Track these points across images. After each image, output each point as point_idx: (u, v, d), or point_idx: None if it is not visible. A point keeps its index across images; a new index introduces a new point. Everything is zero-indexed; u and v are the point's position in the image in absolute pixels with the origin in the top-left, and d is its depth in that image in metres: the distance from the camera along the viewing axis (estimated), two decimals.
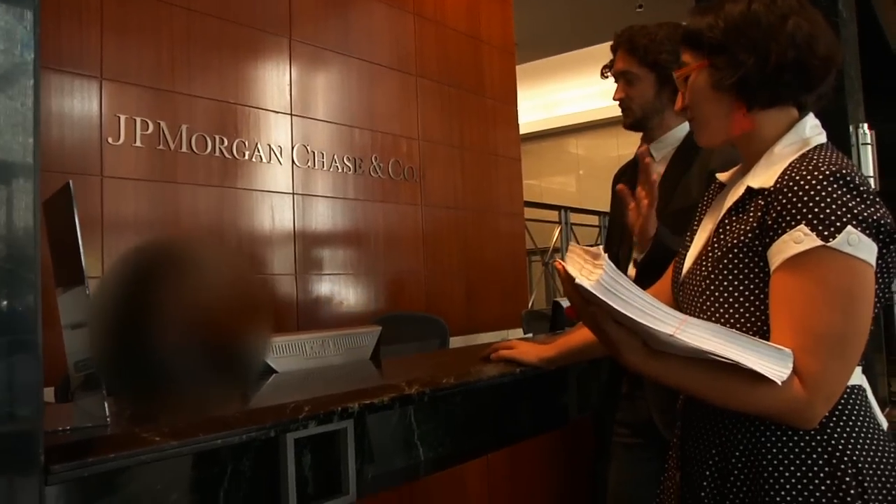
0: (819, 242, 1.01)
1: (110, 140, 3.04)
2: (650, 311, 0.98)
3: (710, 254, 1.18)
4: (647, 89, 1.90)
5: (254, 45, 3.62)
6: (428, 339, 3.48)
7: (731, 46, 1.16)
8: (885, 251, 1.06)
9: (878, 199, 1.07)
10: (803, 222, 1.03)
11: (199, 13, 3.37)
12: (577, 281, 0.98)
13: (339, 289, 3.94)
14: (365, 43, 4.21)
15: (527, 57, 8.31)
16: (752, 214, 1.13)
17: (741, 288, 1.12)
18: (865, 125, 4.30)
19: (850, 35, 4.10)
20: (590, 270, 1.00)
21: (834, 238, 1.01)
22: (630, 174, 2.11)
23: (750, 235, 1.12)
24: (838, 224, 1.01)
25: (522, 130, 5.78)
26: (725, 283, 1.14)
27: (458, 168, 4.80)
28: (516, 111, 5.48)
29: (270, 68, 3.69)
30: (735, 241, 1.14)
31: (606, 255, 0.99)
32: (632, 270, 1.81)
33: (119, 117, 3.07)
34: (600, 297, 0.97)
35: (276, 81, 3.70)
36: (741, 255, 1.12)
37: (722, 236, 1.18)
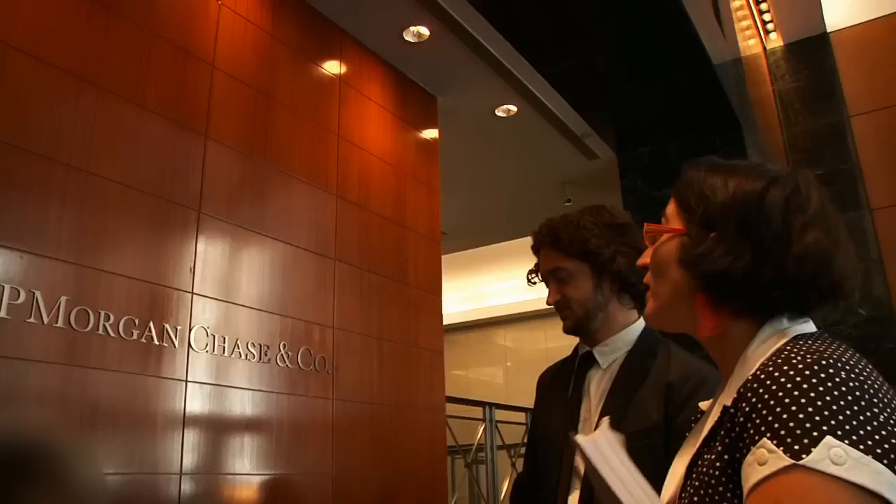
0: (787, 461, 0.71)
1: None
2: (632, 488, 0.86)
3: (684, 494, 0.88)
4: (584, 283, 1.67)
5: (158, 215, 3.34)
6: None
7: (727, 229, 0.92)
8: None
9: (889, 404, 0.75)
10: (767, 434, 0.74)
11: (98, 176, 3.10)
12: (577, 437, 0.92)
13: (233, 491, 3.44)
14: (282, 222, 3.99)
15: (454, 247, 8.30)
16: (720, 438, 0.84)
17: None
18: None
19: None
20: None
21: (807, 453, 0.70)
22: (554, 377, 1.86)
23: (718, 465, 0.82)
24: (814, 434, 0.71)
25: (450, 321, 5.59)
26: None
27: (375, 359, 4.47)
28: (440, 302, 5.26)
29: (174, 242, 3.40)
30: (707, 475, 0.84)
31: (608, 421, 0.95)
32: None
33: (2, 287, 2.69)
34: (588, 454, 0.91)
35: (178, 257, 3.39)
36: (712, 495, 0.82)
37: (694, 476, 0.88)
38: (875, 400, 0.75)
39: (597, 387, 1.69)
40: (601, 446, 0.90)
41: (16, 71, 2.90)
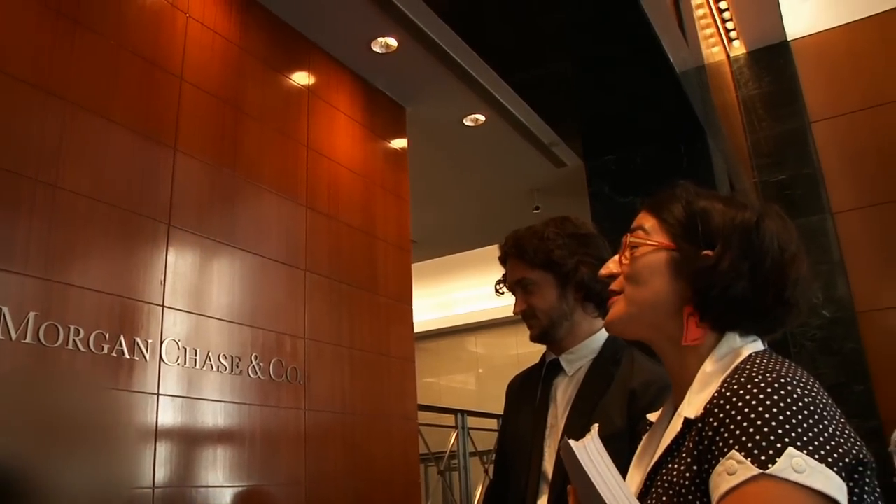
0: (755, 471, 0.80)
1: None
2: (618, 494, 0.89)
3: (650, 501, 0.95)
4: (549, 293, 1.72)
5: (127, 228, 3.33)
6: None
7: (732, 249, 0.99)
8: (856, 488, 0.82)
9: (836, 416, 0.85)
10: (736, 447, 0.83)
11: (65, 190, 3.08)
12: (570, 441, 0.93)
13: None
14: (251, 234, 3.99)
15: (424, 255, 8.32)
16: (686, 449, 0.91)
17: None
18: None
19: None
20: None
21: (773, 463, 0.79)
22: (523, 384, 1.90)
23: (688, 475, 0.89)
24: (778, 445, 0.80)
25: (420, 328, 5.61)
26: None
27: (346, 369, 4.48)
28: (411, 310, 5.29)
29: (144, 255, 3.38)
30: (675, 486, 0.91)
31: (596, 428, 0.97)
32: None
33: None
34: (580, 458, 0.92)
35: (148, 270, 3.38)
36: (686, 502, 0.89)
37: (659, 484, 0.94)
38: (825, 413, 0.84)
39: (563, 393, 1.74)
40: (591, 452, 0.93)
41: None
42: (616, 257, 1.09)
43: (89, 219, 3.17)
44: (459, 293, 11.40)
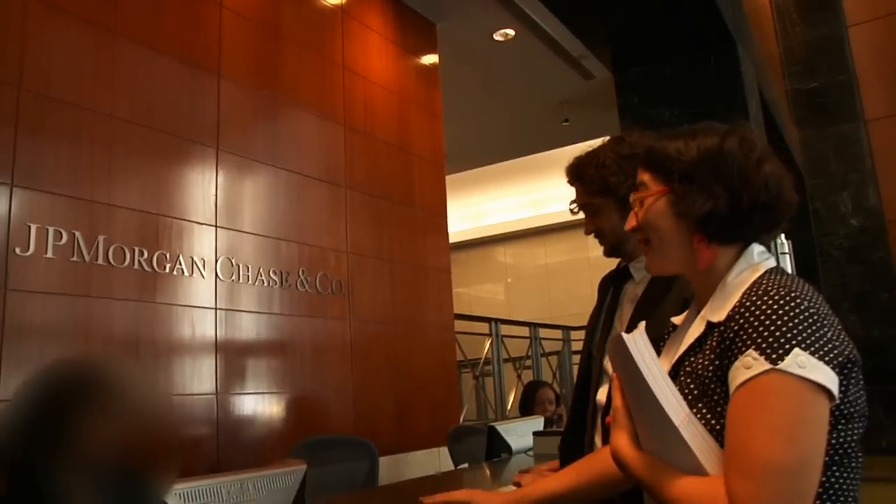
0: (767, 366, 0.99)
1: (18, 251, 2.84)
2: (666, 391, 1.05)
3: (678, 387, 1.13)
4: (611, 215, 1.85)
5: (178, 153, 3.52)
6: (357, 461, 3.30)
7: (703, 178, 1.15)
8: (844, 380, 1.02)
9: (834, 324, 1.05)
10: (752, 347, 1.01)
11: (121, 120, 3.26)
12: (621, 333, 1.06)
13: (264, 408, 3.73)
14: (294, 154, 4.16)
15: (455, 167, 8.44)
16: (709, 347, 1.11)
17: (713, 422, 1.07)
18: (782, 234, 4.44)
19: None
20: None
21: (782, 360, 0.98)
22: (604, 284, 2.04)
23: (711, 368, 1.09)
24: (787, 346, 0.99)
25: (452, 240, 5.78)
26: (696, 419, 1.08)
27: (386, 281, 4.71)
28: (446, 223, 5.47)
29: (195, 178, 3.58)
30: (699, 377, 1.10)
31: (643, 325, 1.10)
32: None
33: (29, 226, 2.89)
34: (627, 346, 1.06)
35: (200, 192, 3.59)
36: (707, 391, 1.08)
37: (682, 377, 1.14)
38: (825, 322, 1.03)
39: (630, 297, 1.91)
40: (639, 344, 1.07)
41: (37, 21, 3.03)
42: (633, 212, 1.26)
43: (144, 145, 3.35)
44: (489, 204, 11.51)
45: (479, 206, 11.52)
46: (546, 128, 7.53)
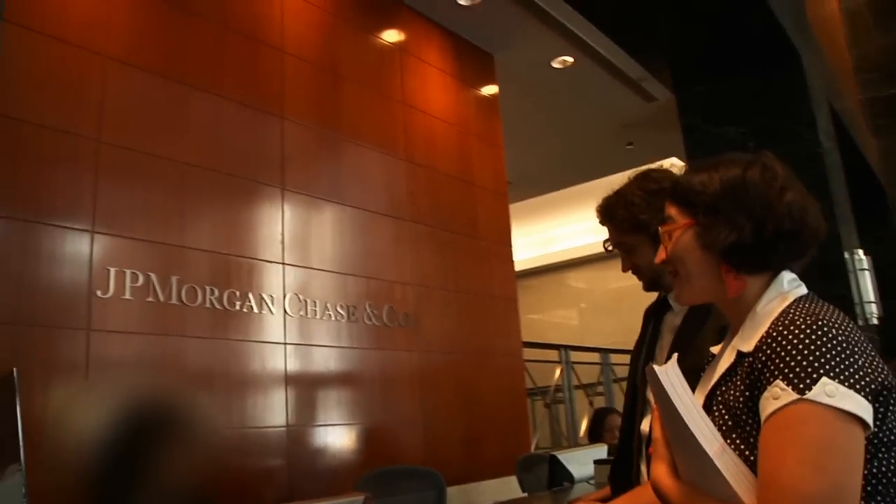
0: (795, 396, 0.99)
1: (99, 293, 3.00)
2: (699, 422, 1.05)
3: (712, 418, 1.14)
4: (645, 252, 1.86)
5: (246, 195, 3.66)
6: (424, 492, 3.33)
7: (727, 209, 1.16)
8: (881, 408, 1.01)
9: (866, 351, 1.04)
10: (779, 377, 1.02)
11: (191, 165, 3.42)
12: (653, 366, 1.08)
13: (334, 440, 3.81)
14: (357, 190, 4.27)
15: (520, 195, 8.47)
16: (739, 378, 1.11)
17: (747, 453, 1.07)
18: (860, 251, 4.31)
19: (833, 163, 4.19)
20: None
21: (809, 390, 0.98)
22: (647, 314, 2.05)
23: (741, 399, 1.09)
24: (814, 376, 0.99)
25: (521, 266, 5.81)
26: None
27: (453, 311, 4.76)
28: (511, 252, 5.50)
29: (263, 218, 3.72)
30: (731, 407, 1.11)
31: (676, 357, 1.11)
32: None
33: (109, 270, 3.05)
34: (661, 380, 1.07)
35: (268, 231, 3.72)
36: (739, 422, 1.09)
37: (715, 407, 1.14)
38: (856, 349, 1.02)
39: (669, 327, 1.92)
40: (671, 376, 1.08)
41: (114, 78, 3.22)
42: (662, 245, 1.28)
43: (214, 189, 3.50)
44: (558, 230, 11.48)
45: (547, 233, 11.50)
46: (610, 152, 7.50)
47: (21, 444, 1.02)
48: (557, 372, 6.67)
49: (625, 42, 5.51)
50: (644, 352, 1.96)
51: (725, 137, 5.86)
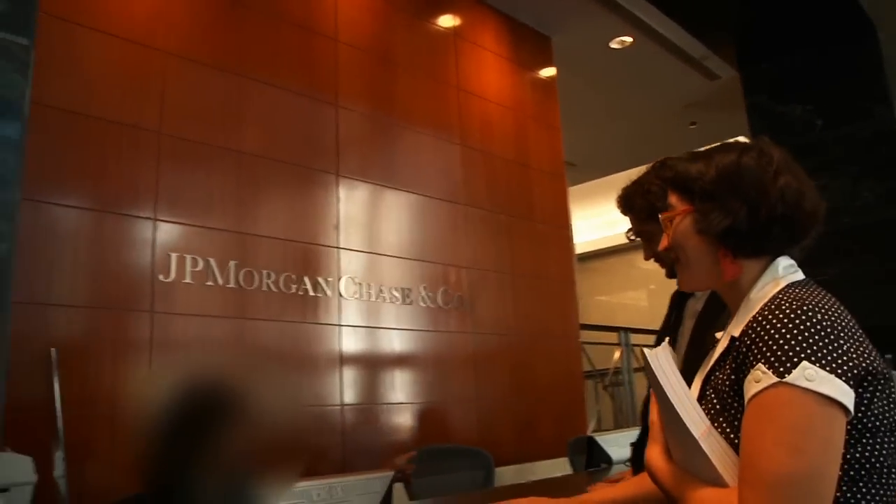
0: (775, 379, 1.01)
1: (161, 277, 3.16)
2: (687, 404, 1.09)
3: (704, 402, 1.18)
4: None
5: (302, 181, 3.78)
6: (475, 471, 3.40)
7: (721, 195, 1.19)
8: (865, 393, 1.03)
9: (853, 336, 1.05)
10: (762, 360, 1.04)
11: (248, 154, 3.55)
12: (646, 350, 1.14)
13: (387, 419, 3.91)
14: (412, 175, 4.35)
15: (581, 178, 8.41)
16: (728, 362, 1.14)
17: (731, 436, 1.10)
18: None
19: None
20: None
21: (789, 374, 1.00)
22: (673, 301, 2.07)
23: (728, 383, 1.12)
24: (795, 360, 1.01)
25: (587, 248, 5.78)
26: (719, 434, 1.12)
27: (508, 294, 4.80)
28: (569, 234, 5.50)
29: (318, 203, 3.83)
30: (719, 391, 1.14)
31: (668, 341, 1.19)
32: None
33: (170, 255, 3.21)
34: (651, 364, 1.11)
35: (323, 216, 3.83)
36: (726, 405, 1.11)
37: (709, 391, 1.18)
38: (841, 334, 1.04)
39: (691, 313, 1.94)
40: (661, 360, 1.13)
41: (174, 73, 3.37)
42: (664, 233, 1.30)
43: (270, 176, 3.63)
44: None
45: (612, 214, 11.36)
46: (672, 132, 7.38)
47: (60, 418, 1.11)
48: (616, 354, 6.65)
49: (685, 20, 5.43)
50: (669, 336, 1.99)
51: (791, 115, 5.73)
